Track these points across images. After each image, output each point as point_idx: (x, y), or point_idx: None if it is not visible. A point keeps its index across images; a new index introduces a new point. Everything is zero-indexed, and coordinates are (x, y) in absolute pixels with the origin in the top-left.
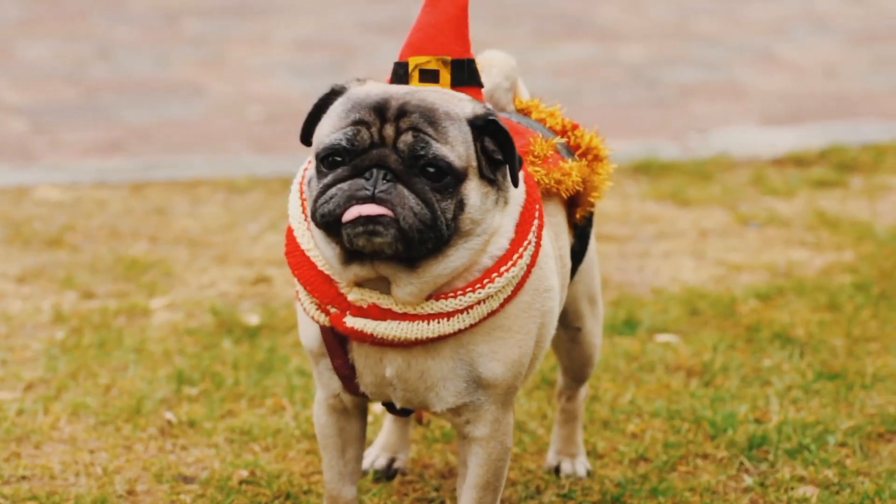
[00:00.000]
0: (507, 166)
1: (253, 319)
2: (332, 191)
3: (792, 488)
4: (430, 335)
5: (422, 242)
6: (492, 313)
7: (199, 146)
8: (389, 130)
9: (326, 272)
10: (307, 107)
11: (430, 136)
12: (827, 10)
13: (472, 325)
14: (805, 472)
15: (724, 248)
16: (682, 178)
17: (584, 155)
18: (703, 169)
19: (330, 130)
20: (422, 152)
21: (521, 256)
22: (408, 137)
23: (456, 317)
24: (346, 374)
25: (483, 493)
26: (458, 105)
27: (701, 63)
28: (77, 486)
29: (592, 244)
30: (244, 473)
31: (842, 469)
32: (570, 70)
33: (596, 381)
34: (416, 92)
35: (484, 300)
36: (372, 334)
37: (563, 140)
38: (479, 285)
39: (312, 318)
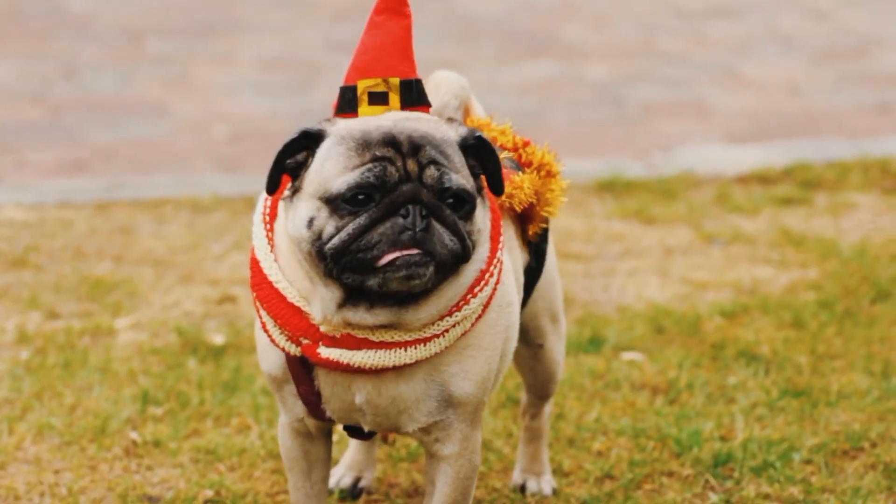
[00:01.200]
0: (492, 178)
1: (218, 339)
2: (374, 235)
3: None
4: (409, 361)
5: (448, 273)
6: (464, 333)
7: (164, 166)
8: (412, 165)
9: (296, 304)
10: (272, 126)
11: (447, 167)
12: (790, 29)
13: (447, 348)
14: (770, 490)
15: (688, 266)
16: (646, 197)
17: (536, 171)
18: (668, 187)
19: (341, 170)
20: (447, 185)
21: (492, 275)
22: (432, 171)
23: (433, 341)
24: (312, 401)
25: None
26: (446, 130)
27: (665, 81)
28: None
29: (552, 261)
30: (209, 493)
31: (807, 486)
32: (535, 89)
33: (561, 399)
34: (406, 122)
35: (459, 322)
36: (348, 364)
37: (511, 155)
38: (455, 309)
39: (283, 348)
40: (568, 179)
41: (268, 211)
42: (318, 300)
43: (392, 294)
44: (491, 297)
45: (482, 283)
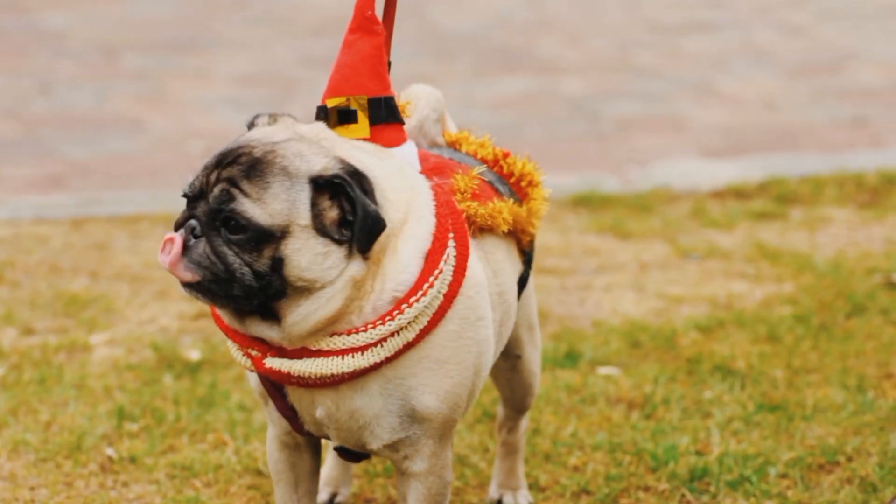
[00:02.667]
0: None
1: (194, 355)
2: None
3: None
4: (346, 370)
5: (225, 294)
6: (409, 345)
7: (140, 181)
8: (213, 177)
9: None
10: None
11: (240, 189)
12: (766, 44)
13: (389, 359)
14: None
15: (664, 281)
16: (622, 211)
17: (517, 182)
18: (644, 202)
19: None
20: (223, 206)
21: (431, 286)
22: (216, 190)
23: (370, 350)
24: (289, 415)
25: None
26: (305, 161)
27: (641, 96)
28: None
29: (531, 271)
30: None
31: (783, 500)
32: (510, 104)
33: (537, 414)
34: (273, 143)
35: (397, 332)
36: (289, 373)
37: (484, 168)
38: (388, 317)
39: (239, 362)
40: (548, 190)
41: None
42: None
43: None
44: (444, 309)
45: (418, 293)
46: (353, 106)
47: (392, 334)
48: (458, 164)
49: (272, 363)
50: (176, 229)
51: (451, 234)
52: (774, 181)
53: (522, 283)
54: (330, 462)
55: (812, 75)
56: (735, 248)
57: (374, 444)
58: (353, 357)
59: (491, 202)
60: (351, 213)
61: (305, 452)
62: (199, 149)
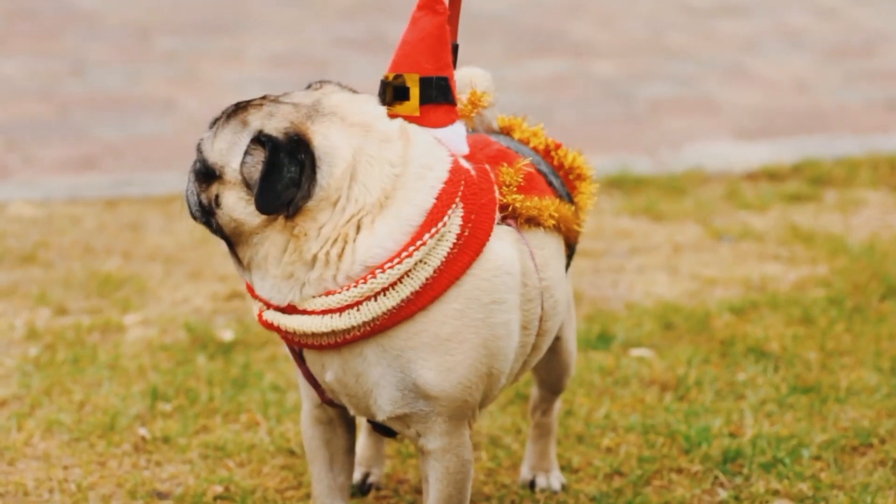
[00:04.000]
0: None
1: (227, 335)
2: None
3: (767, 502)
4: (325, 329)
5: (209, 224)
6: (395, 315)
7: (173, 162)
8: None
9: None
10: None
11: (211, 134)
12: (799, 26)
13: (375, 327)
14: (780, 486)
15: (697, 263)
16: (655, 193)
17: (567, 174)
18: (677, 184)
19: None
20: (197, 150)
21: (409, 255)
22: (200, 139)
23: (347, 312)
24: (312, 382)
25: None
26: (268, 120)
27: (673, 78)
28: (51, 503)
29: None
30: (219, 489)
31: (816, 482)
32: (542, 86)
33: (570, 396)
34: (264, 101)
35: (373, 297)
36: (278, 326)
37: (529, 160)
38: (361, 281)
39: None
40: (597, 182)
41: None
42: None
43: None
44: (443, 284)
45: (395, 260)
46: (408, 83)
47: (367, 298)
48: (516, 155)
49: (268, 316)
50: None
51: (458, 214)
52: (808, 163)
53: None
54: (363, 442)
55: (845, 58)
56: (768, 230)
57: (379, 415)
58: (331, 318)
59: (538, 197)
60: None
61: (339, 429)
62: None
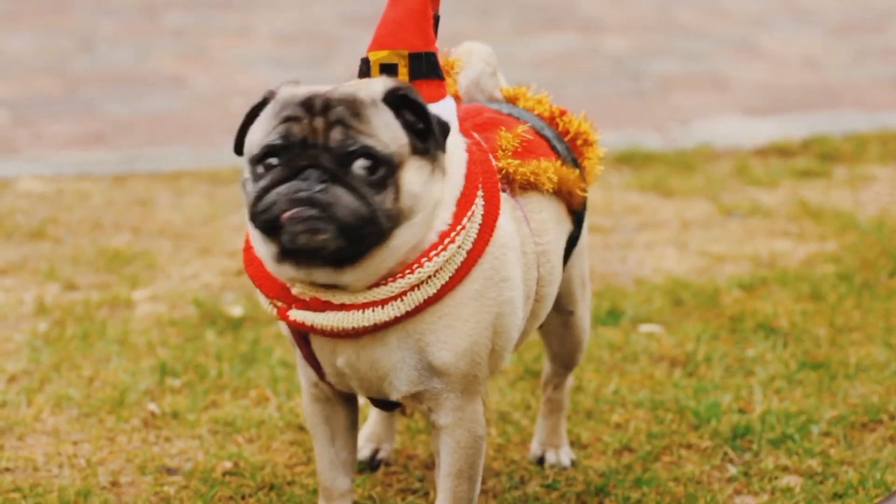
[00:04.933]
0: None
1: (236, 311)
2: (271, 196)
3: (776, 478)
4: (366, 324)
5: (362, 238)
6: (430, 300)
7: (182, 138)
8: (319, 123)
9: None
10: None
11: (355, 129)
12: (808, 2)
13: (409, 313)
14: (789, 462)
15: (707, 239)
16: (664, 169)
17: (572, 140)
18: (686, 160)
19: (262, 133)
20: (351, 148)
21: (452, 241)
22: (336, 133)
23: (390, 304)
24: (314, 364)
25: (458, 481)
26: (372, 88)
27: (683, 54)
28: (60, 478)
29: (585, 227)
30: (228, 465)
31: (825, 458)
32: (551, 62)
33: (580, 372)
34: (339, 87)
35: (417, 286)
36: (312, 325)
37: (529, 126)
38: (408, 271)
39: (266, 310)
40: (605, 148)
41: None
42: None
43: (315, 253)
44: (469, 264)
45: (440, 247)
46: (395, 60)
47: (412, 288)
48: (515, 120)
49: (296, 315)
50: (278, 184)
51: (479, 194)
52: (817, 139)
53: (573, 241)
54: (372, 418)
55: (854, 34)
56: (778, 206)
57: (393, 395)
58: (373, 311)
59: (536, 160)
60: (418, 121)
61: (339, 406)
62: (239, 106)
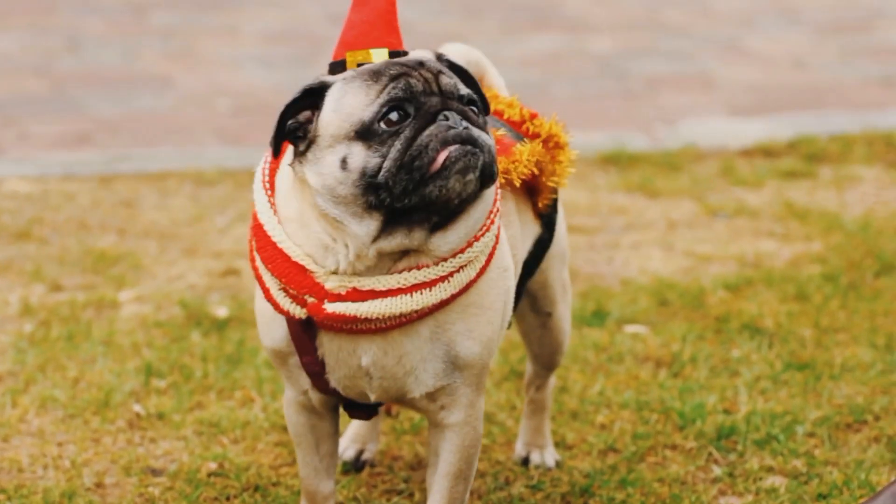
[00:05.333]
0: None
1: (221, 312)
2: (422, 139)
3: (760, 478)
4: (415, 307)
5: (492, 176)
6: (469, 285)
7: (168, 138)
8: (428, 75)
9: (301, 262)
10: (276, 99)
11: (453, 78)
12: (795, 2)
13: (452, 297)
14: (774, 463)
15: (692, 239)
16: (650, 170)
17: (544, 144)
18: (672, 160)
19: (364, 101)
20: (462, 91)
21: (493, 222)
22: (445, 80)
23: (437, 286)
24: (316, 371)
25: (455, 481)
26: (425, 54)
27: (669, 54)
28: (45, 479)
29: (563, 229)
30: (213, 466)
31: (810, 459)
32: (538, 62)
33: (565, 372)
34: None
35: (464, 266)
36: (354, 316)
37: (505, 130)
38: (459, 252)
39: (287, 311)
40: (576, 150)
41: (267, 179)
42: (342, 247)
43: (443, 206)
44: (493, 253)
45: (484, 227)
46: (371, 60)
47: (458, 269)
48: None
49: (335, 308)
50: (420, 131)
51: None
52: (803, 140)
53: (544, 246)
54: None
55: (841, 34)
56: (763, 206)
57: (416, 391)
58: (421, 294)
59: (513, 147)
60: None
61: (324, 414)
62: (226, 106)
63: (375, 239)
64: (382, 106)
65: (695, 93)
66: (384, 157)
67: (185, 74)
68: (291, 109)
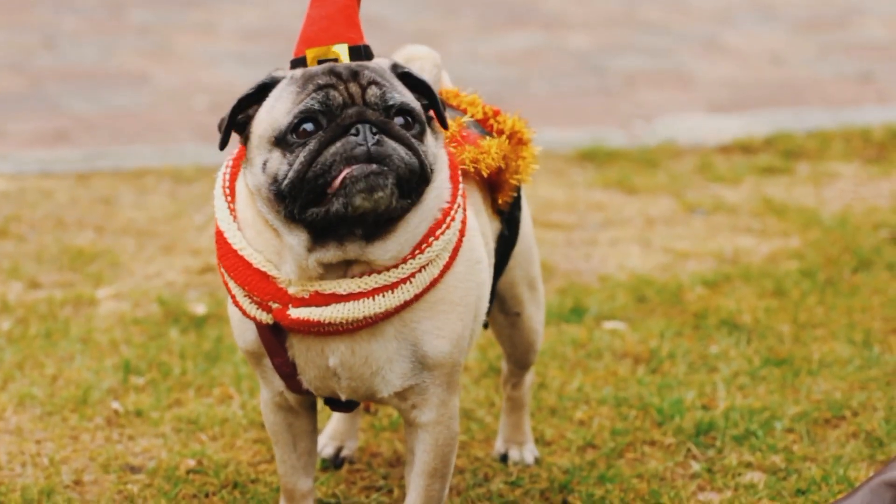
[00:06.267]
0: (433, 109)
1: (200, 309)
2: (326, 156)
3: (739, 474)
4: (378, 310)
5: (411, 191)
6: (433, 283)
7: (145, 136)
8: (355, 88)
9: (263, 269)
10: None
11: (389, 88)
12: None
13: (416, 297)
14: (752, 458)
15: (670, 236)
16: (628, 166)
17: (508, 139)
18: (650, 156)
19: (289, 106)
20: (391, 102)
21: (453, 219)
22: (374, 90)
23: (400, 288)
24: (288, 372)
25: (431, 480)
26: (380, 62)
27: (647, 51)
28: (23, 477)
29: (528, 228)
30: (192, 463)
31: (789, 455)
32: (516, 58)
33: (543, 369)
34: (346, 61)
35: (425, 266)
36: (318, 321)
37: (470, 118)
38: (417, 251)
39: (254, 318)
40: (541, 147)
41: (227, 184)
42: (287, 254)
43: (359, 220)
44: (457, 248)
45: (444, 225)
46: (332, 55)
47: (420, 269)
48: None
49: (298, 313)
50: (327, 145)
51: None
52: (781, 136)
53: (508, 244)
54: (336, 416)
55: (818, 30)
56: (741, 202)
57: (385, 391)
58: (383, 297)
59: (481, 140)
60: (421, 97)
61: (301, 413)
62: (203, 104)
63: (311, 250)
64: (296, 116)
65: (673, 89)
66: (291, 165)
67: (163, 72)
68: (244, 104)
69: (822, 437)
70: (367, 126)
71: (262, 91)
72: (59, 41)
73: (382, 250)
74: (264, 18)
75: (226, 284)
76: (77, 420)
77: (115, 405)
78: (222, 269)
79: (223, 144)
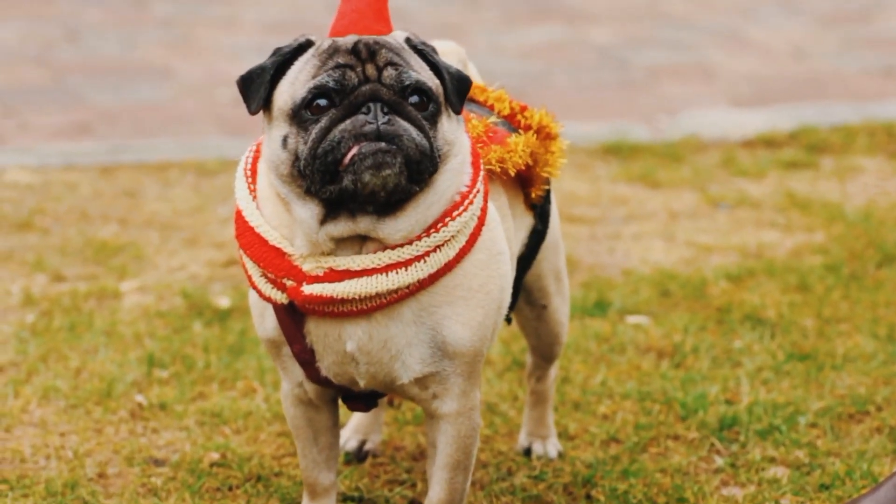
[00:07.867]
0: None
1: (223, 302)
2: (335, 133)
3: (763, 469)
4: (391, 286)
5: (421, 173)
6: (449, 266)
7: (168, 129)
8: (371, 69)
9: (278, 246)
10: None
11: (405, 67)
12: None
13: (431, 277)
14: (776, 453)
15: (694, 230)
16: (652, 160)
17: (536, 134)
18: (673, 151)
19: (308, 78)
20: (406, 82)
21: (471, 202)
22: (390, 71)
23: (414, 265)
24: (307, 360)
25: (454, 472)
26: (397, 37)
27: (670, 45)
28: (48, 470)
29: (555, 221)
30: (215, 456)
31: (812, 450)
32: (539, 52)
33: (567, 363)
34: (369, 36)
35: (440, 246)
36: (332, 297)
37: (498, 118)
38: (433, 230)
39: (269, 297)
40: (569, 141)
41: (249, 166)
42: (297, 228)
43: (370, 198)
44: (476, 234)
45: (461, 207)
46: None
47: (435, 249)
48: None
49: (312, 289)
50: (338, 122)
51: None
52: (805, 130)
53: (539, 237)
54: None
55: (842, 24)
56: (765, 197)
57: (404, 377)
58: (396, 273)
59: (508, 138)
60: (433, 76)
61: (322, 407)
62: (226, 96)
63: (323, 223)
64: (310, 91)
65: (696, 83)
66: (305, 143)
67: (185, 64)
68: (284, 61)
69: (846, 432)
70: (379, 105)
71: (298, 52)
72: (82, 34)
73: (393, 228)
74: (286, 11)
75: (244, 267)
76: (101, 413)
77: (139, 398)
78: (240, 250)
79: (257, 105)
